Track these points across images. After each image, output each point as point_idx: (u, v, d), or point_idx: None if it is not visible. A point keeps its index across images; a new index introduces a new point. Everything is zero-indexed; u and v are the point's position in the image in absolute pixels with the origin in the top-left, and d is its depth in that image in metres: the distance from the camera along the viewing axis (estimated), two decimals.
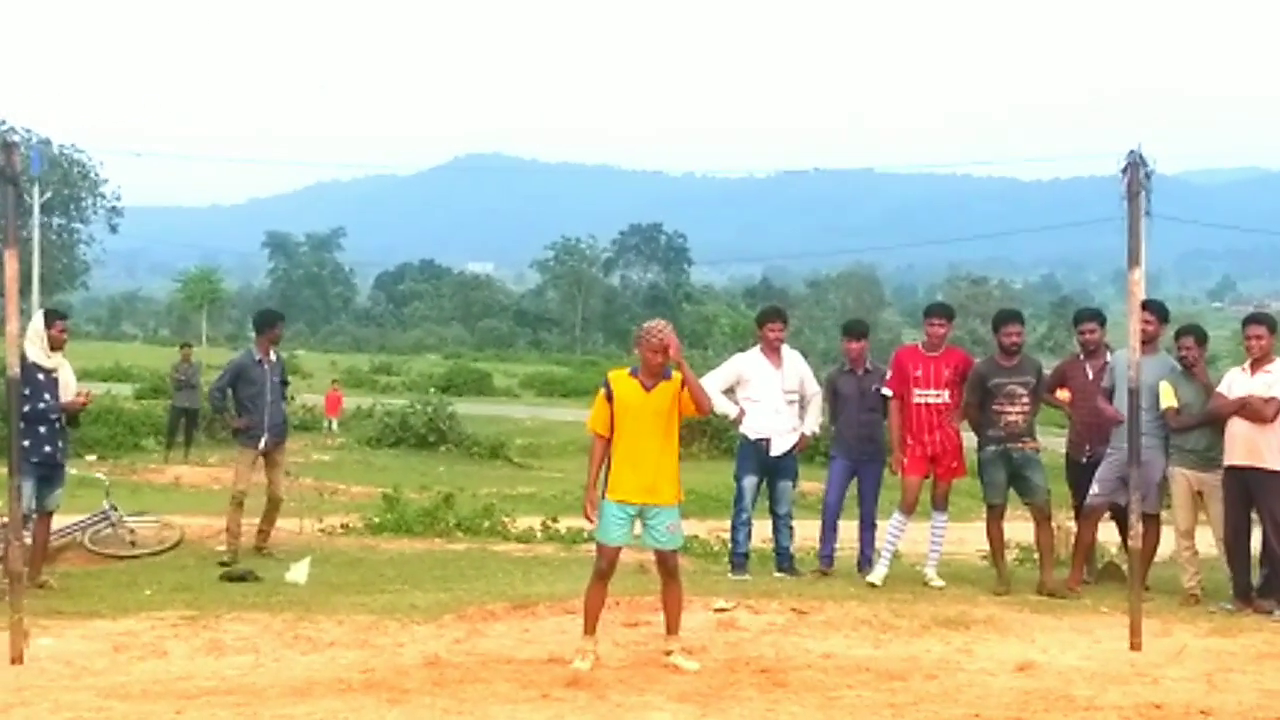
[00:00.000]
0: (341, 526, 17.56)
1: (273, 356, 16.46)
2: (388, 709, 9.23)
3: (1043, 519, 14.34)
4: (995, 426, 13.99)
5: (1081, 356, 14.52)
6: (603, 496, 10.53)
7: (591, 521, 10.79)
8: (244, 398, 16.25)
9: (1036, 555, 14.72)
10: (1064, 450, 15.10)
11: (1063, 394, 14.51)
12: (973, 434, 14.46)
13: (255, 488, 16.24)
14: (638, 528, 10.65)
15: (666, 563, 10.68)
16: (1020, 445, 13.98)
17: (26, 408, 12.72)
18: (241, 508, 16.22)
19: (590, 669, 10.20)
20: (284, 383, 16.86)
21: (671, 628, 10.72)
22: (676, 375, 10.48)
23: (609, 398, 10.50)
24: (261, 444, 16.15)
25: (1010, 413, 13.91)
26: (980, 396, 14.12)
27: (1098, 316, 14.92)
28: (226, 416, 17.63)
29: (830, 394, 14.60)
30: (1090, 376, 14.19)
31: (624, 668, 10.48)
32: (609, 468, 10.55)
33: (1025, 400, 13.94)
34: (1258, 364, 13.06)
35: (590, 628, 10.48)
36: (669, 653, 10.57)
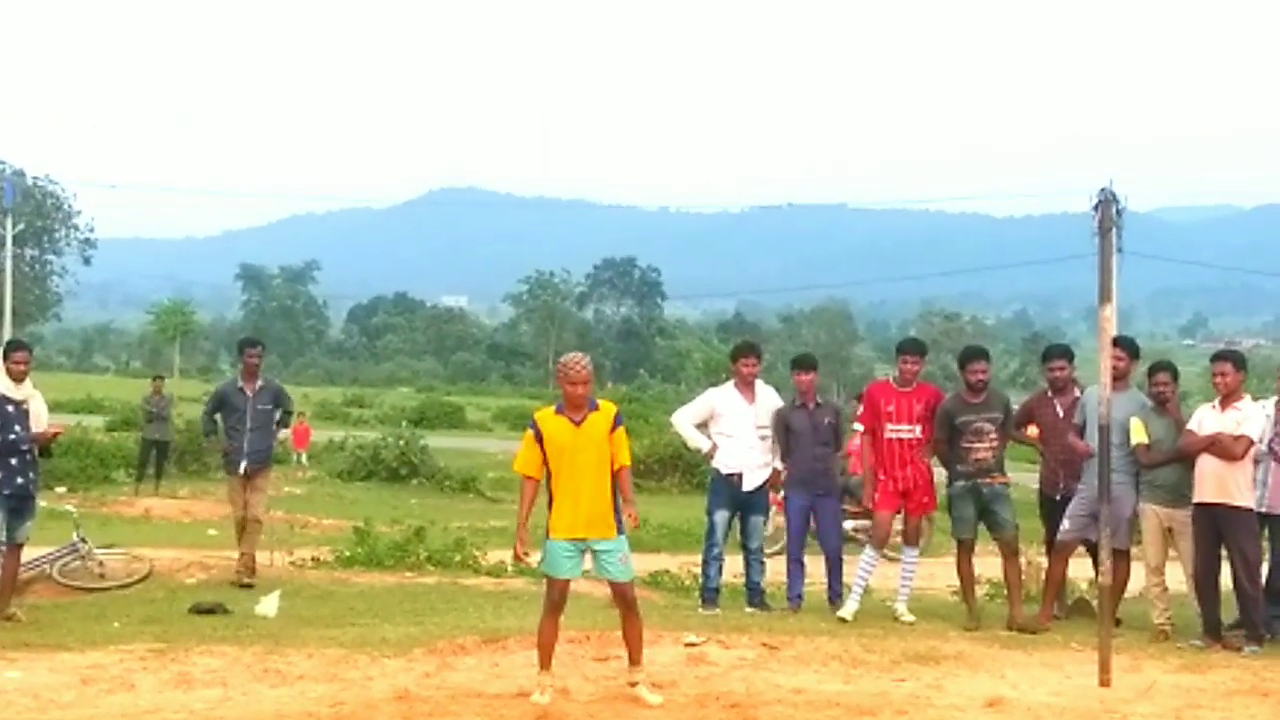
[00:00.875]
0: (312, 559, 17.55)
1: (258, 384, 16.70)
2: None
3: (1010, 554, 14.39)
4: (964, 462, 14.07)
5: (1050, 393, 14.56)
6: (547, 536, 10.51)
7: (521, 560, 10.91)
8: (226, 424, 16.65)
9: (1006, 590, 14.73)
10: (1036, 486, 15.16)
11: (1031, 431, 14.57)
12: (943, 469, 14.54)
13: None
14: (588, 561, 10.68)
15: (625, 595, 10.66)
16: (989, 480, 14.06)
17: (4, 437, 12.73)
18: (243, 523, 16.71)
19: (550, 702, 10.23)
20: (285, 410, 17.30)
21: (634, 659, 10.69)
22: (605, 405, 10.59)
23: (538, 438, 10.47)
24: (241, 469, 16.37)
25: (978, 449, 13.99)
26: (948, 433, 14.19)
27: (1067, 353, 15.05)
28: (210, 441, 18.30)
29: (782, 430, 14.53)
30: (1060, 413, 14.23)
31: (593, 702, 10.48)
32: (550, 504, 10.54)
33: (993, 436, 14.02)
34: (1226, 401, 13.15)
35: (545, 662, 10.51)
36: (633, 684, 10.57)
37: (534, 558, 11.04)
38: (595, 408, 10.47)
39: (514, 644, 11.94)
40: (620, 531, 10.56)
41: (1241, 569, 13.06)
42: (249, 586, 16.00)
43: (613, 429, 10.46)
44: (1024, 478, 17.54)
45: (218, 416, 16.77)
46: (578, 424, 10.37)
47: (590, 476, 10.39)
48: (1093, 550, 13.68)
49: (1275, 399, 13.36)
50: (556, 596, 10.55)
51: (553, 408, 10.61)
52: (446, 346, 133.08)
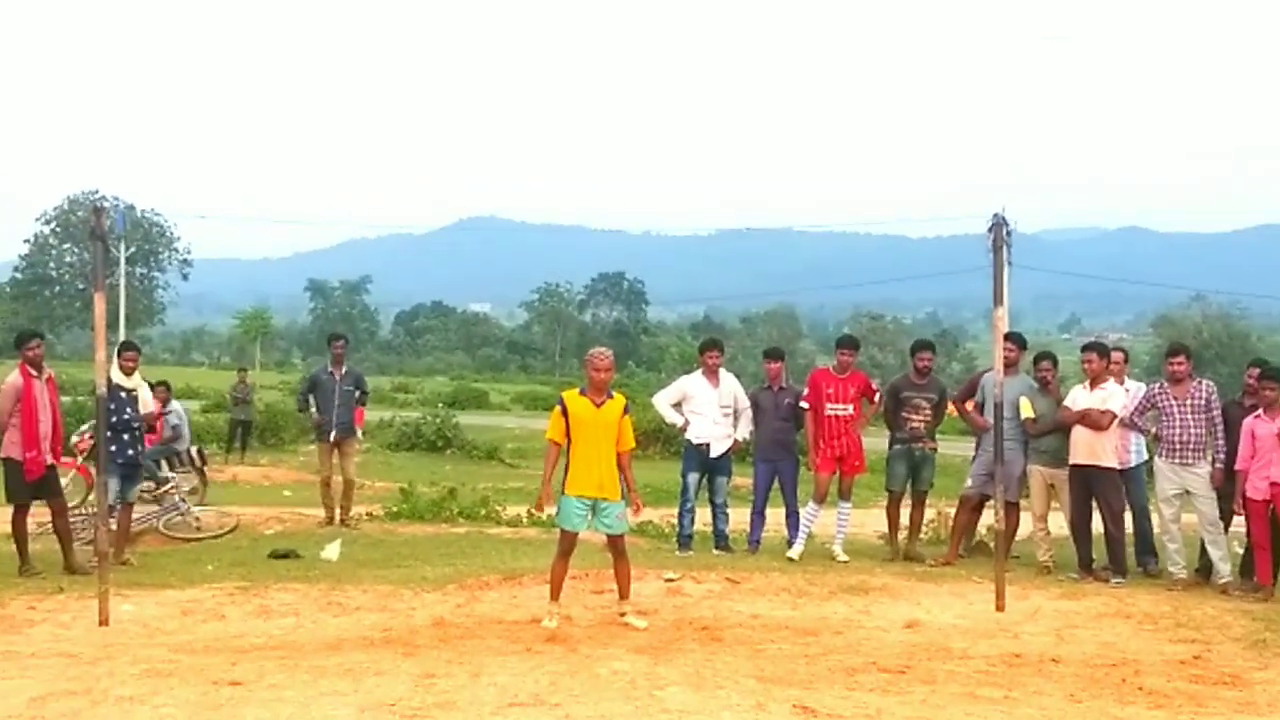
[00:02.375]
0: (367, 515, 17.46)
1: (343, 369, 17.03)
2: (402, 660, 9.22)
3: (919, 503, 14.85)
4: (901, 430, 14.52)
5: (913, 377, 14.83)
6: (562, 492, 10.70)
7: (542, 511, 11.09)
8: (318, 402, 16.90)
9: (908, 529, 14.86)
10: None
11: (969, 405, 14.63)
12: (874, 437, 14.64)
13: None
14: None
15: (616, 544, 10.86)
16: (921, 445, 14.44)
17: (114, 419, 12.67)
18: (327, 485, 17.08)
19: (558, 627, 10.36)
20: (362, 391, 17.56)
21: (623, 594, 10.89)
22: (618, 396, 10.86)
23: (564, 413, 10.69)
24: (331, 436, 16.75)
25: (914, 420, 14.42)
26: (894, 404, 14.59)
27: (931, 346, 15.33)
28: (307, 415, 18.36)
29: (752, 407, 14.61)
30: (940, 402, 14.75)
31: (591, 627, 10.54)
32: (567, 468, 10.71)
33: (927, 411, 14.43)
34: (1094, 383, 13.28)
35: (555, 594, 10.70)
36: (622, 614, 10.71)
37: (549, 510, 11.02)
38: (611, 396, 10.76)
39: (529, 581, 11.93)
40: (621, 496, 10.74)
41: (1108, 517, 13.15)
42: (352, 528, 16.37)
43: (622, 416, 10.71)
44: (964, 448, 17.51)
45: (311, 396, 16.91)
46: (598, 406, 10.64)
47: (603, 449, 10.62)
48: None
49: (1147, 383, 13.43)
50: (567, 546, 10.74)
51: (578, 390, 10.87)
52: (474, 344, 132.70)
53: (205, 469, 19.93)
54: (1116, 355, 13.98)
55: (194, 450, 19.20)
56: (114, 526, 12.41)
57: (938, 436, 14.92)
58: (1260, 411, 12.22)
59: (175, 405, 18.81)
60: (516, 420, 51.28)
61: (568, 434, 10.65)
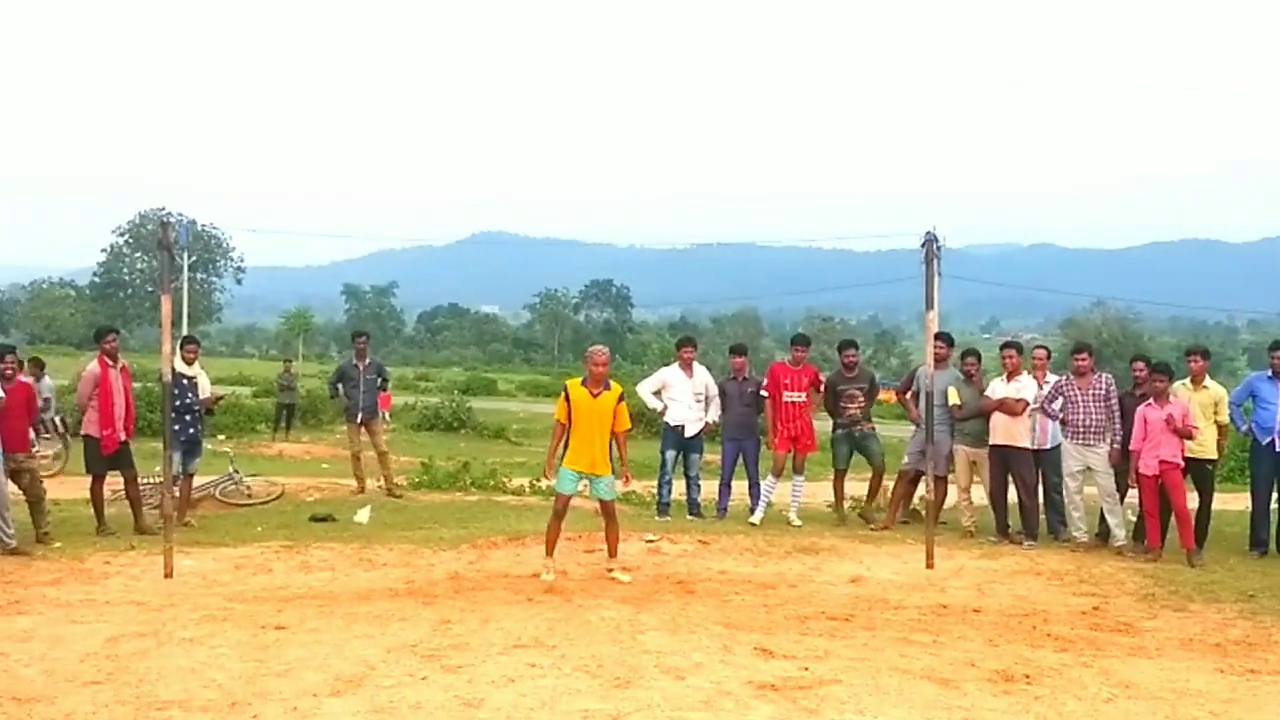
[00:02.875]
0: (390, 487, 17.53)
1: (367, 361, 17.00)
2: (422, 608, 9.25)
3: (877, 473, 14.90)
4: (841, 416, 14.61)
5: (843, 371, 14.96)
6: (561, 463, 10.79)
7: (549, 479, 11.08)
8: (345, 389, 16.93)
9: (867, 497, 14.97)
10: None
11: (911, 404, 14.66)
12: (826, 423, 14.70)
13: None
14: (584, 487, 11.18)
15: (607, 509, 10.94)
16: (859, 427, 14.54)
17: (177, 402, 12.67)
18: (358, 459, 17.11)
19: (554, 580, 10.42)
20: (384, 379, 17.50)
21: (612, 552, 10.95)
22: (615, 386, 10.87)
23: (567, 399, 10.74)
24: (358, 418, 16.80)
25: (850, 407, 14.54)
26: (832, 397, 14.68)
27: (854, 344, 15.49)
28: (337, 400, 18.41)
29: (720, 395, 14.65)
30: (872, 389, 14.97)
31: (583, 580, 10.57)
32: (566, 445, 10.79)
33: (860, 399, 14.52)
34: (1010, 376, 13.41)
35: (550, 551, 10.76)
36: (610, 570, 10.76)
37: (551, 480, 11.06)
38: (608, 387, 10.78)
39: (530, 541, 11.94)
40: (612, 470, 10.87)
41: (1022, 489, 13.22)
42: (397, 496, 16.39)
43: (617, 403, 10.76)
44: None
45: (339, 385, 16.97)
46: (595, 395, 10.69)
47: (596, 432, 10.68)
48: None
49: (1058, 376, 13.49)
50: (560, 507, 10.78)
51: (580, 380, 10.91)
52: (484, 340, 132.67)
53: (67, 435, 19.28)
54: (1039, 353, 14.08)
55: (58, 419, 18.69)
56: (177, 494, 12.40)
57: (874, 418, 15.01)
58: (1151, 400, 12.30)
59: (46, 379, 18.26)
60: (520, 405, 51.36)
61: (569, 416, 10.70)
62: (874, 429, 14.86)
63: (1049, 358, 14.47)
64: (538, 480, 17.48)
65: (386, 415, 42.73)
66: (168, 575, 10.28)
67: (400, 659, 7.82)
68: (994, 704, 7.26)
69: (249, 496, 16.04)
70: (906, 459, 14.46)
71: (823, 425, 15.87)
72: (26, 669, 7.52)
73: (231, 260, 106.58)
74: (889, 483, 15.22)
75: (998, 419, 13.26)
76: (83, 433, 12.87)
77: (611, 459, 10.98)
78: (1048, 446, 13.34)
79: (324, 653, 7.92)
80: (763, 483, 14.54)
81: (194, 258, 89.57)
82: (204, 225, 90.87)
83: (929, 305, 11.94)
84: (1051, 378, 13.67)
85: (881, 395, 15.95)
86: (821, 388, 14.76)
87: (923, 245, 11.63)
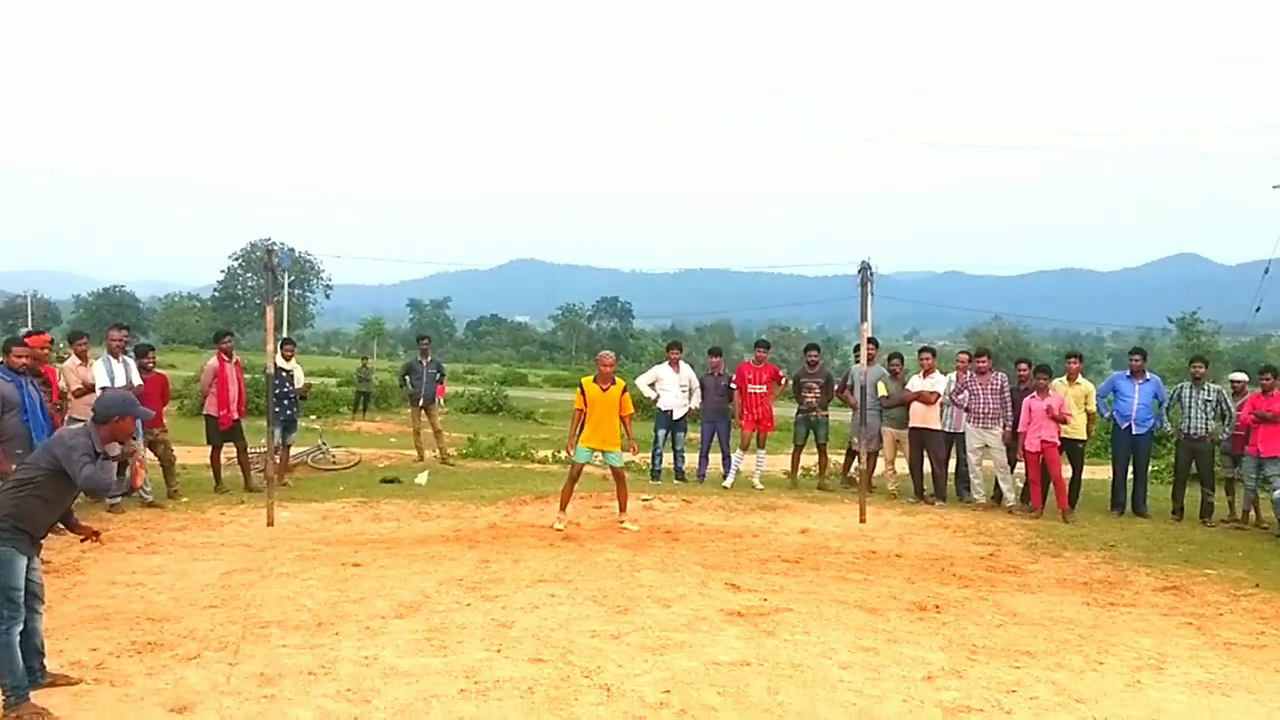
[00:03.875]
0: (445, 455, 17.51)
1: (429, 358, 16.83)
2: (467, 550, 9.26)
3: (822, 452, 14.73)
4: (802, 403, 14.49)
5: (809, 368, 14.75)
6: (578, 441, 10.76)
7: (569, 453, 11.01)
8: (411, 380, 16.70)
9: (819, 469, 14.88)
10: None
11: (849, 395, 14.60)
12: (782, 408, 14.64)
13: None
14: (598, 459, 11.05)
15: (617, 474, 10.88)
16: (815, 413, 14.36)
17: (277, 390, 12.66)
18: (418, 435, 16.97)
19: (567, 529, 10.38)
20: (441, 373, 17.23)
21: (622, 508, 10.91)
22: (619, 381, 10.83)
23: (583, 392, 10.78)
24: (420, 403, 16.58)
25: (809, 396, 14.39)
26: (796, 387, 14.66)
27: (816, 348, 15.41)
28: (404, 389, 17.97)
29: (700, 387, 14.65)
30: (828, 385, 14.61)
31: (592, 530, 10.51)
32: (582, 427, 10.76)
33: (817, 391, 14.36)
34: (927, 373, 13.38)
35: (563, 506, 10.70)
36: (621, 521, 10.70)
37: (572, 453, 11.02)
38: (614, 382, 10.77)
39: (551, 499, 11.87)
40: (622, 445, 10.84)
41: (935, 462, 13.22)
42: (449, 464, 16.17)
43: (621, 394, 10.74)
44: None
45: (407, 377, 16.90)
46: (604, 390, 10.69)
47: (605, 417, 10.67)
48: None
49: (953, 373, 13.44)
50: (575, 473, 10.78)
51: (592, 377, 10.91)
52: (518, 343, 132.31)
53: None
54: (962, 356, 13.71)
55: None
56: (277, 460, 12.41)
57: (831, 408, 14.91)
58: (1035, 393, 12.33)
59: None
60: (545, 394, 51.19)
61: (585, 405, 10.69)
62: (827, 416, 14.70)
63: (973, 360, 14.26)
64: (559, 453, 17.48)
65: (442, 401, 42.54)
66: (269, 524, 10.27)
67: (449, 590, 7.85)
68: (911, 628, 7.28)
69: (333, 463, 15.98)
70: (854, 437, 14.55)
71: (783, 411, 15.91)
72: (159, 596, 7.55)
73: (321, 279, 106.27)
74: (835, 457, 15.22)
75: (916, 407, 13.25)
76: (205, 413, 12.85)
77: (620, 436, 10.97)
78: (961, 430, 13.34)
79: (390, 585, 7.95)
80: (733, 455, 14.53)
81: (292, 278, 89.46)
82: (301, 252, 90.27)
83: (863, 318, 11.96)
84: (948, 375, 13.65)
85: None
86: (781, 381, 14.78)
87: (859, 272, 11.65)
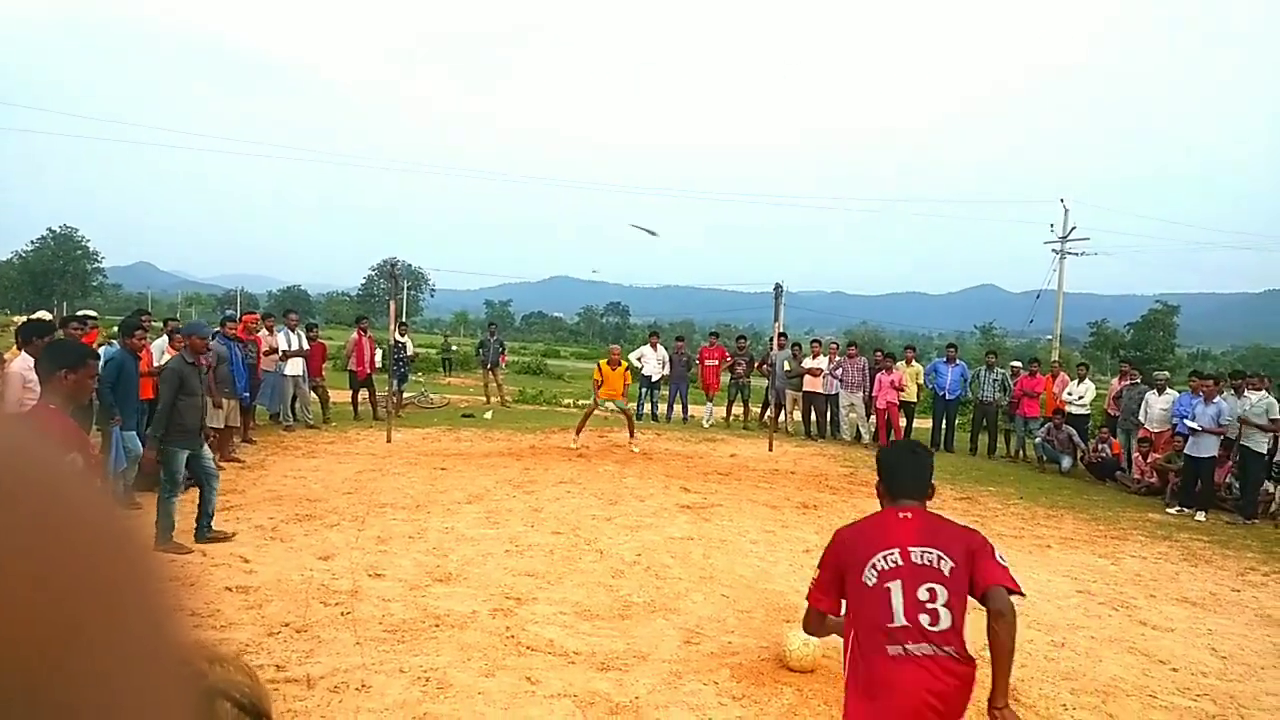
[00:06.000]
0: (504, 401, 17.42)
1: (495, 337, 16.61)
2: (515, 461, 9.19)
3: (746, 404, 14.22)
4: (734, 373, 13.99)
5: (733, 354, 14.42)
6: (599, 395, 10.44)
7: (595, 403, 10.77)
8: (483, 351, 16.62)
9: (742, 415, 14.70)
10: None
11: (766, 369, 14.41)
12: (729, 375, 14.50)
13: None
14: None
15: (628, 413, 10.63)
16: (742, 380, 13.94)
17: (395, 355, 12.60)
18: (487, 387, 16.77)
19: (579, 448, 10.20)
20: (502, 347, 17.09)
21: (631, 435, 10.70)
22: (624, 362, 10.53)
23: (600, 370, 10.48)
24: (489, 366, 16.44)
25: (738, 369, 13.94)
26: (730, 363, 14.09)
27: (744, 337, 14.94)
28: (477, 357, 18.14)
29: (670, 361, 14.43)
30: (751, 361, 14.19)
31: (597, 450, 10.36)
32: (600, 389, 10.44)
33: (744, 365, 13.94)
34: (815, 356, 13.23)
35: (578, 431, 10.47)
36: (632, 447, 10.49)
37: (596, 403, 10.80)
38: (619, 365, 10.45)
39: (573, 428, 11.87)
40: (626, 397, 10.55)
41: (818, 413, 13.04)
42: (506, 407, 15.82)
43: (625, 372, 10.40)
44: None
45: (481, 349, 16.78)
46: (614, 369, 10.33)
47: (616, 383, 10.29)
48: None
49: (837, 357, 13.35)
50: (592, 406, 10.56)
51: (606, 360, 10.55)
52: (555, 330, 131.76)
53: None
54: (853, 350, 13.47)
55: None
56: (395, 401, 12.36)
57: (752, 377, 14.68)
58: (884, 371, 12.32)
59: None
60: (570, 364, 50.88)
61: (601, 379, 10.40)
62: (749, 382, 14.37)
63: (837, 349, 14.13)
64: (578, 401, 17.43)
65: (503, 365, 42.66)
66: (388, 441, 10.19)
67: (502, 487, 7.83)
68: (799, 519, 7.31)
69: (431, 404, 15.91)
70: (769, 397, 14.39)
71: (724, 379, 15.80)
72: (314, 484, 7.53)
73: (427, 284, 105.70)
74: (755, 409, 15.22)
75: (808, 378, 13.16)
76: (348, 368, 12.69)
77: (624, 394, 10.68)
78: (835, 392, 13.31)
79: (464, 482, 7.94)
80: (692, 406, 14.43)
81: (408, 282, 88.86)
82: (415, 265, 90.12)
83: (776, 319, 11.98)
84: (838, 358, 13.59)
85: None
86: (726, 358, 14.35)
87: (775, 289, 11.63)
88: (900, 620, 2.22)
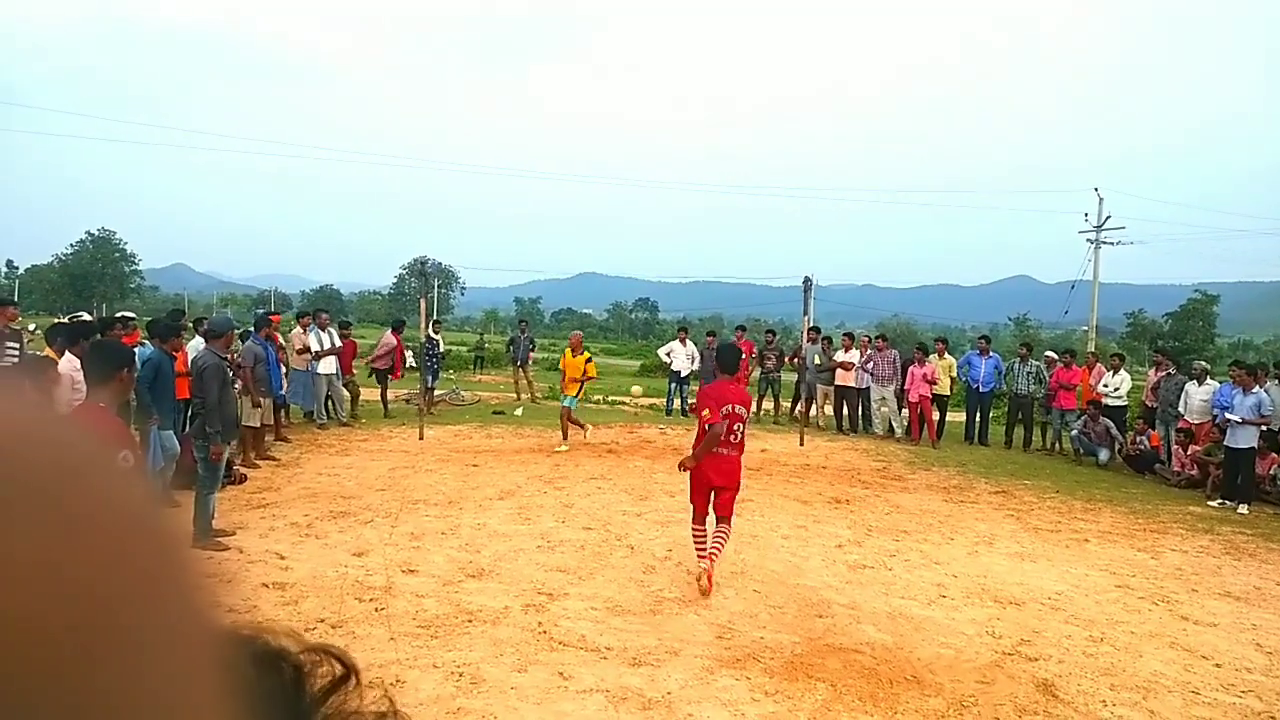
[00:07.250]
0: (534, 397, 17.50)
1: (525, 334, 16.67)
2: (545, 458, 9.21)
3: (777, 399, 14.19)
4: (764, 367, 13.93)
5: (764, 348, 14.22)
6: (564, 392, 9.97)
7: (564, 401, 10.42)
8: (513, 348, 16.73)
9: (773, 410, 14.63)
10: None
11: (797, 363, 14.28)
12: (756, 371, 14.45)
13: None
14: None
15: (568, 412, 9.93)
16: (772, 374, 13.88)
17: (427, 352, 12.72)
18: (516, 383, 16.82)
19: (567, 450, 9.84)
20: (533, 343, 17.17)
21: (563, 438, 10.40)
22: (586, 352, 9.74)
23: (562, 356, 9.95)
24: (519, 363, 16.53)
25: (769, 363, 13.88)
26: (759, 357, 13.98)
27: (774, 332, 14.73)
28: (508, 353, 18.21)
29: (699, 356, 14.39)
30: (780, 356, 13.99)
31: (628, 446, 10.29)
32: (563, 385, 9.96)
33: (774, 360, 13.82)
34: (847, 350, 13.07)
35: (564, 435, 9.93)
36: (584, 436, 10.22)
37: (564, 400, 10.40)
38: (582, 352, 9.77)
39: (600, 428, 11.84)
40: (583, 389, 10.04)
41: (850, 407, 12.92)
42: (536, 403, 15.80)
43: (586, 361, 9.70)
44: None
45: (511, 345, 16.88)
46: (575, 355, 9.71)
47: (575, 374, 9.73)
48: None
49: (869, 351, 13.24)
50: (563, 414, 9.90)
51: (570, 349, 9.91)
52: (585, 327, 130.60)
53: None
54: (881, 342, 13.38)
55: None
56: (427, 397, 12.47)
57: (783, 372, 14.54)
58: (916, 364, 12.19)
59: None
60: (601, 360, 51.25)
61: (563, 368, 9.93)
62: (779, 376, 14.21)
63: (869, 342, 13.91)
64: (607, 398, 17.45)
65: (532, 361, 42.61)
66: (420, 438, 10.29)
67: (533, 482, 7.87)
68: (830, 514, 7.26)
69: (462, 401, 16.03)
70: (799, 392, 14.28)
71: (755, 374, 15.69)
72: (348, 482, 7.63)
73: (458, 282, 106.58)
74: (786, 404, 15.11)
75: (839, 371, 13.06)
76: (381, 368, 12.76)
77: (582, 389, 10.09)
78: (866, 387, 13.18)
79: (496, 479, 7.99)
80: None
81: (439, 281, 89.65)
82: (445, 264, 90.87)
83: (805, 313, 11.89)
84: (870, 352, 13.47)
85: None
86: (754, 352, 14.08)
87: (804, 283, 11.55)
88: (727, 437, 5.02)
